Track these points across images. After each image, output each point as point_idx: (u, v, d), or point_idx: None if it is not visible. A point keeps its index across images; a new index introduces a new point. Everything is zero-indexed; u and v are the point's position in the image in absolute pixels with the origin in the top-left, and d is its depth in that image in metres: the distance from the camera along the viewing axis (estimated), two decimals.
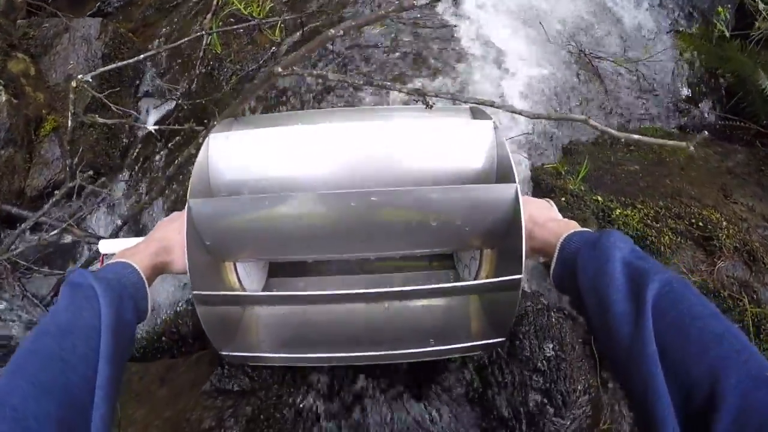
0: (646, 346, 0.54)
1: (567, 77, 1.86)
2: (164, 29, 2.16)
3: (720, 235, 1.29)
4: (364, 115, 1.06)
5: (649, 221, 1.34)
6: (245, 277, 0.99)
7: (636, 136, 0.88)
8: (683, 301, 0.57)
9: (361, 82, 1.12)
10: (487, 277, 0.94)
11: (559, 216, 0.87)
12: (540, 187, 1.58)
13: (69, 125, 1.27)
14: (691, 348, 0.52)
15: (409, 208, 0.79)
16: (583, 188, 1.52)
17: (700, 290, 1.26)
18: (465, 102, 1.07)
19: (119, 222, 1.47)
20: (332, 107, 1.65)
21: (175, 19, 2.18)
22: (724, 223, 1.33)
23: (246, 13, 1.83)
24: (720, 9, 1.81)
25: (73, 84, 1.20)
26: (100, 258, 1.02)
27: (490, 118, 0.91)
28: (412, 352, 0.84)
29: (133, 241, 0.89)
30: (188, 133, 1.59)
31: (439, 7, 1.89)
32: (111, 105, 1.29)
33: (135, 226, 1.60)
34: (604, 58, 1.90)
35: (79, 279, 0.66)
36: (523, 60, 1.83)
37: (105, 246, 0.93)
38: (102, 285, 0.65)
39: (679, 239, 1.31)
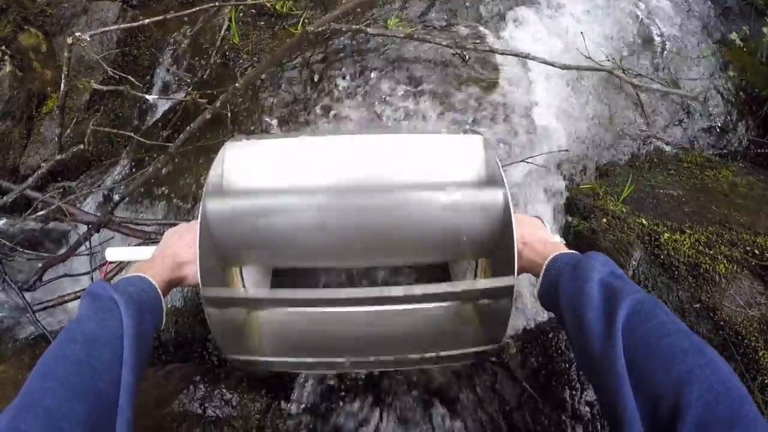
0: (615, 361, 0.56)
1: (604, 96, 1.76)
2: (185, 20, 2.09)
3: None
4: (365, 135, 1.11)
5: (701, 247, 1.21)
6: (250, 286, 1.04)
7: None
8: (653, 318, 0.59)
9: (401, 36, 1.14)
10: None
11: (549, 235, 0.90)
12: (577, 207, 1.45)
13: (62, 88, 1.16)
14: (658, 362, 0.54)
15: (400, 210, 0.84)
16: (624, 210, 1.39)
17: (759, 326, 1.15)
18: (501, 53, 1.14)
19: (116, 197, 1.35)
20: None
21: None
22: None
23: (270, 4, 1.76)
24: None
25: (69, 41, 1.09)
26: (105, 264, 1.06)
27: (480, 134, 0.94)
28: (407, 359, 0.85)
29: (140, 249, 0.92)
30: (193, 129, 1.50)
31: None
32: (107, 68, 1.19)
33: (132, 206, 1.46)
34: (643, 76, 1.80)
35: (100, 291, 0.69)
36: (559, 74, 1.74)
37: (111, 254, 0.94)
38: (124, 298, 0.69)
39: (735, 268, 1.17)
